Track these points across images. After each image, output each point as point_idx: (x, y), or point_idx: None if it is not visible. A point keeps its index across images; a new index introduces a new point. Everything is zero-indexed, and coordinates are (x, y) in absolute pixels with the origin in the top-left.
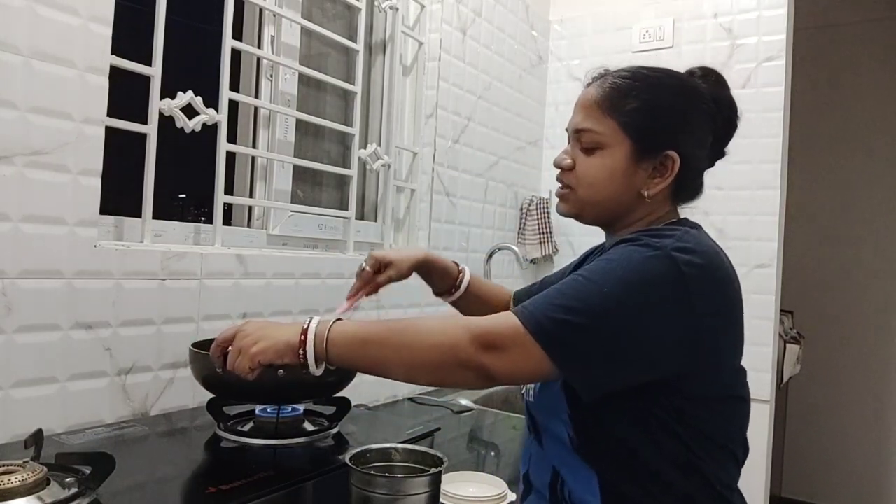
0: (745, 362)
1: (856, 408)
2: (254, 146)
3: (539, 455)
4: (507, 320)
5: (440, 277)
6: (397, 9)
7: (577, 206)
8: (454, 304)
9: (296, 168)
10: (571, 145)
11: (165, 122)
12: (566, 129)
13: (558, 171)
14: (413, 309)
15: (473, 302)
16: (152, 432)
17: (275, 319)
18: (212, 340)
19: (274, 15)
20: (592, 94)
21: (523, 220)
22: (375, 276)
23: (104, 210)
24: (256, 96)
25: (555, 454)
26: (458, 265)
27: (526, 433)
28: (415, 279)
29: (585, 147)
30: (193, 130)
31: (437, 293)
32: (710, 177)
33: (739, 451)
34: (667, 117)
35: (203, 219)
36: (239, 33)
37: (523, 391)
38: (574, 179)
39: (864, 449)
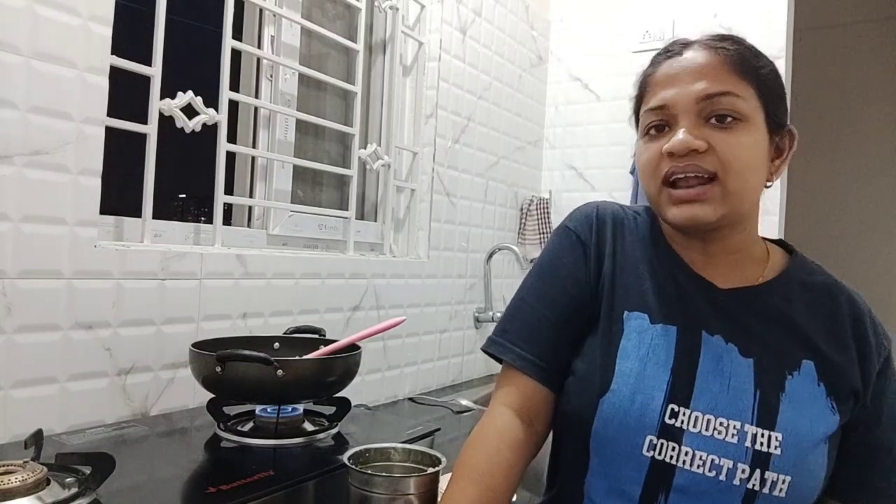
0: None
1: None
2: (254, 146)
3: None
4: None
5: None
6: (397, 9)
7: (727, 203)
8: None
9: (296, 168)
10: (686, 122)
11: (165, 122)
12: (651, 108)
13: (671, 160)
14: (413, 308)
15: None
16: (152, 432)
17: (275, 320)
18: (212, 340)
19: (274, 15)
20: (712, 55)
21: (523, 220)
22: None
23: (104, 210)
24: (256, 96)
25: None
26: None
27: None
28: (413, 279)
29: (720, 120)
30: (193, 130)
31: None
32: None
33: None
34: (783, 86)
35: (203, 219)
36: (239, 33)
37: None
38: (717, 164)
39: None
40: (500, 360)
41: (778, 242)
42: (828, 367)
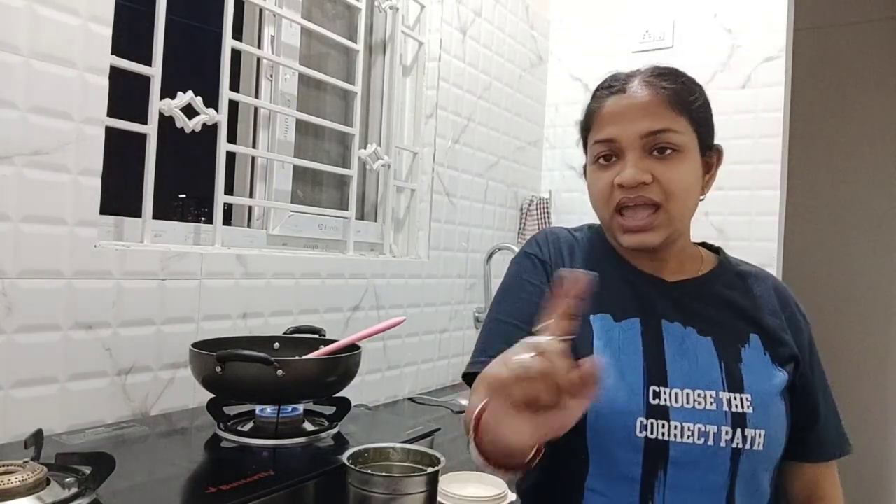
0: None
1: (855, 408)
2: (254, 146)
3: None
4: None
5: None
6: (397, 9)
7: (670, 227)
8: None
9: (296, 168)
10: (633, 156)
11: (165, 122)
12: (600, 140)
13: (622, 191)
14: (413, 309)
15: None
16: (152, 432)
17: (274, 320)
18: (212, 340)
19: (274, 15)
20: (653, 95)
21: (523, 220)
22: None
23: (104, 210)
24: (256, 96)
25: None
26: None
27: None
28: (413, 279)
29: (661, 152)
30: (193, 130)
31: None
32: None
33: None
34: (711, 111)
35: (203, 219)
36: (239, 33)
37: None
38: (661, 194)
39: (865, 452)
40: (471, 384)
41: (702, 244)
42: (769, 339)
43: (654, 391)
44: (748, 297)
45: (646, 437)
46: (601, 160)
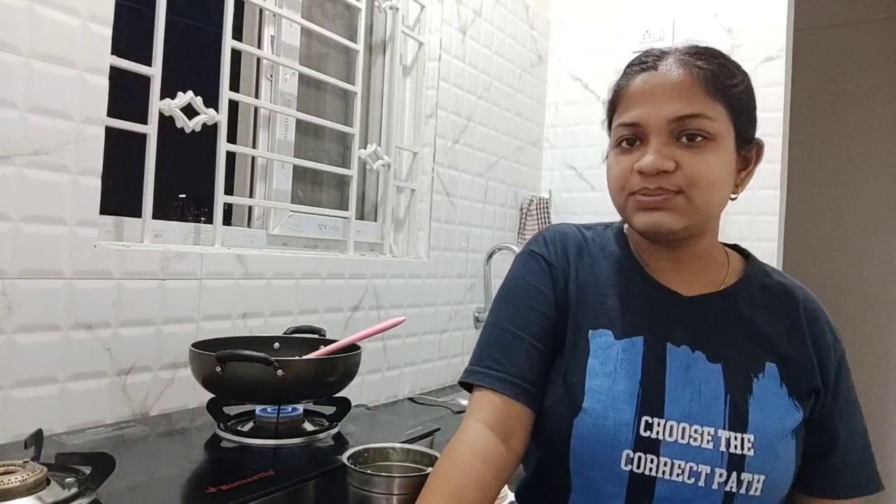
0: None
1: None
2: (254, 146)
3: None
4: None
5: None
6: (397, 9)
7: (692, 216)
8: None
9: (296, 168)
10: (657, 141)
11: (165, 122)
12: (624, 124)
13: (640, 179)
14: (413, 308)
15: None
16: (152, 432)
17: (274, 320)
18: (212, 340)
19: (274, 15)
20: (687, 74)
21: (523, 220)
22: None
23: (104, 210)
24: (256, 96)
25: None
26: None
27: None
28: (413, 279)
29: (689, 139)
30: (193, 130)
31: None
32: None
33: None
34: (755, 100)
35: (203, 219)
36: (239, 33)
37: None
38: (684, 181)
39: None
40: (470, 390)
41: (733, 247)
42: (789, 369)
43: (646, 422)
44: (772, 318)
45: (631, 470)
46: (623, 144)
